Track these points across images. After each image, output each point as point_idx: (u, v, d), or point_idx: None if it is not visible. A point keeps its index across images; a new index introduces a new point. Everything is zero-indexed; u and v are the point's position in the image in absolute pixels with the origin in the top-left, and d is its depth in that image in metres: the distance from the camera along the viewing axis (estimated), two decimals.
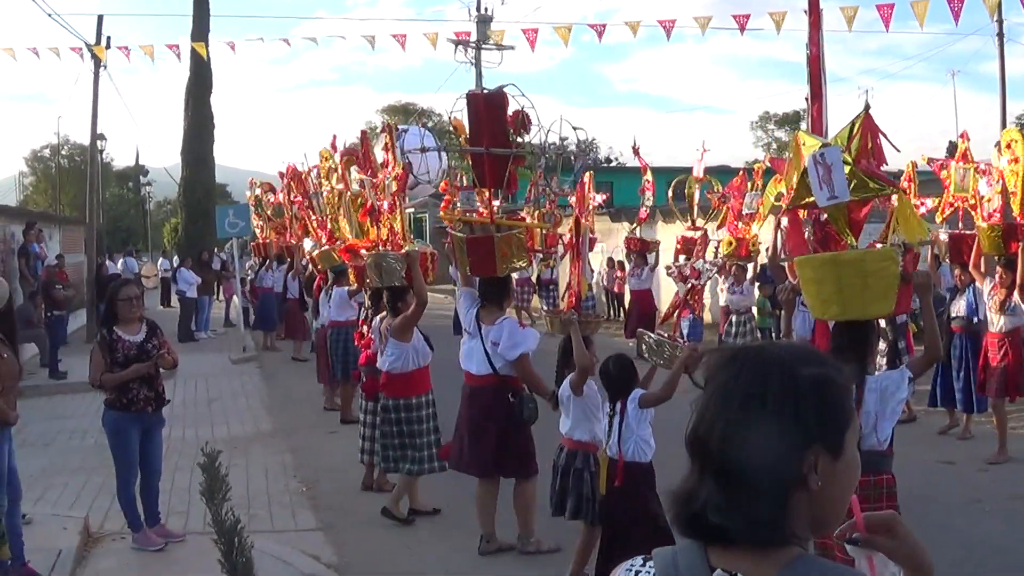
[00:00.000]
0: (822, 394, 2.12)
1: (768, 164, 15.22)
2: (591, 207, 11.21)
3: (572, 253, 10.05)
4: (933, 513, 10.63)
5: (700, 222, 18.60)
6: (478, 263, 9.53)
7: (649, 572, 2.17)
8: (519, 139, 9.62)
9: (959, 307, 14.20)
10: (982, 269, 13.34)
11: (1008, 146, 13.01)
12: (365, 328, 11.84)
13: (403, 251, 10.60)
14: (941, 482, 12.06)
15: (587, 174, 11.14)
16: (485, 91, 9.71)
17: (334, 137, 15.18)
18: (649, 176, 19.36)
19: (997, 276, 13.05)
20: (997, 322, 13.13)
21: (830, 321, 7.36)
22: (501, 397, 9.28)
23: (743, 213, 16.90)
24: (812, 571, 2.04)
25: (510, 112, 9.50)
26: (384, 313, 11.02)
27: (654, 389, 8.09)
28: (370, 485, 11.91)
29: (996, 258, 13.11)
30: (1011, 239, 12.83)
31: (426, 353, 10.60)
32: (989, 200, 13.19)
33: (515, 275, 12.70)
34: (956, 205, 13.63)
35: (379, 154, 11.57)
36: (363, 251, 12.03)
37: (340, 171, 14.29)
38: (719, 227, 17.31)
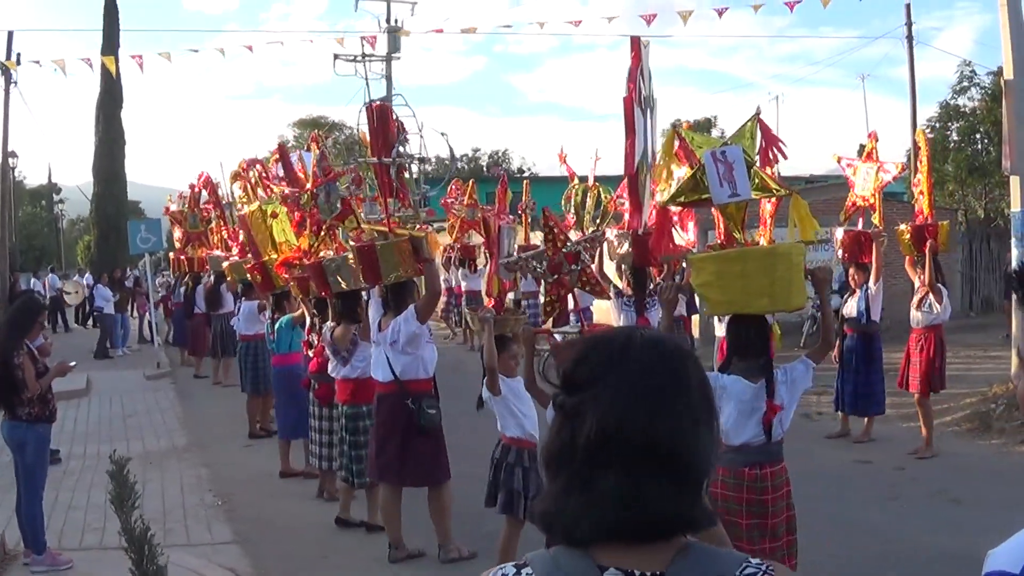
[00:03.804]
0: (708, 379, 2.19)
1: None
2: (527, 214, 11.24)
3: (488, 253, 10.13)
4: (851, 511, 10.83)
5: (590, 229, 18.44)
6: (366, 271, 9.57)
7: None
8: (400, 148, 9.71)
9: (850, 307, 14.29)
10: (912, 268, 13.75)
11: (920, 148, 13.37)
12: (315, 337, 11.73)
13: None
14: (858, 480, 12.28)
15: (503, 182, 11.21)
16: (375, 103, 9.75)
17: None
18: (577, 182, 19.38)
19: (917, 276, 13.40)
20: (915, 319, 13.45)
21: (723, 316, 7.48)
22: (401, 404, 9.33)
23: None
24: (701, 558, 2.05)
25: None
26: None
27: None
28: (327, 492, 11.93)
29: (915, 259, 13.42)
30: (921, 240, 13.12)
31: None
32: (916, 201, 13.54)
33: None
34: (859, 205, 13.86)
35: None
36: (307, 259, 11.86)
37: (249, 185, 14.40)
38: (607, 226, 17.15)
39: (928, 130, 37.71)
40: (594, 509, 2.01)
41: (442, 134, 10.14)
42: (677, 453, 2.03)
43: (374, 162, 9.65)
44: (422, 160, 10.02)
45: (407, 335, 9.31)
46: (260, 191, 14.99)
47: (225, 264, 18.04)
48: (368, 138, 9.95)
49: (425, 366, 9.54)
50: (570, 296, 9.09)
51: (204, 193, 22.90)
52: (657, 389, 2.07)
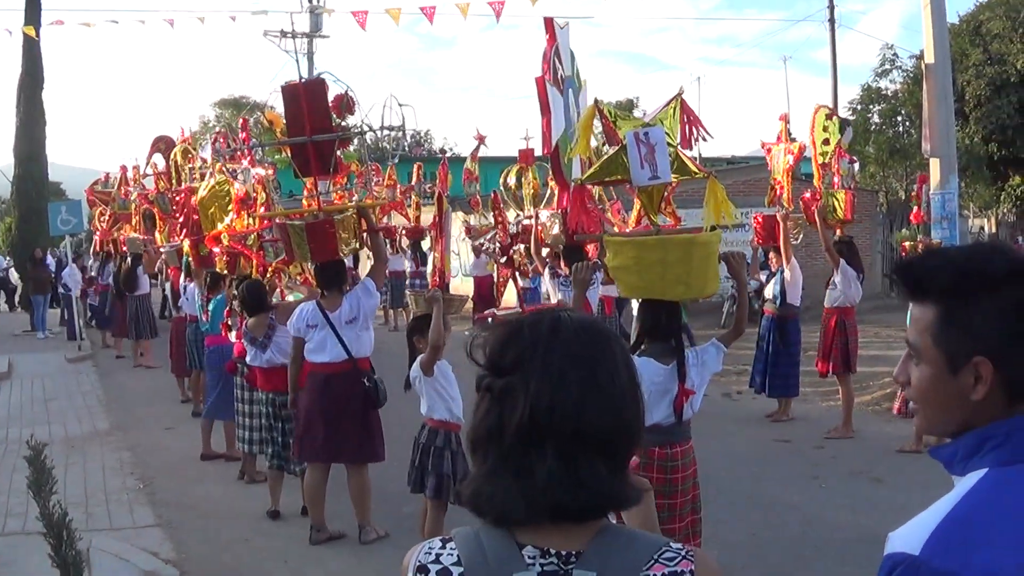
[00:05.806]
0: (631, 359, 2.22)
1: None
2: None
3: (436, 231, 10.11)
4: (771, 490, 10.95)
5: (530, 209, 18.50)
6: (319, 249, 9.38)
7: (451, 554, 2.10)
8: (342, 122, 9.61)
9: (769, 289, 14.37)
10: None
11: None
12: (237, 319, 11.57)
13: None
14: (778, 460, 12.41)
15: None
16: (303, 80, 9.62)
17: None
18: (469, 163, 19.58)
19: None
20: (825, 299, 13.51)
21: (634, 300, 7.53)
22: (357, 383, 9.32)
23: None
24: (620, 539, 2.07)
25: (331, 98, 9.48)
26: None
27: None
28: (247, 475, 11.91)
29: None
30: (809, 213, 13.25)
31: None
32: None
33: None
34: (776, 188, 13.90)
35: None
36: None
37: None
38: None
39: (850, 112, 38.07)
40: (533, 491, 2.02)
41: (401, 105, 9.98)
42: (608, 434, 2.06)
43: (305, 140, 9.47)
44: (390, 128, 9.90)
45: (371, 308, 9.54)
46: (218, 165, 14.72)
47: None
48: (282, 119, 9.82)
49: (371, 342, 9.65)
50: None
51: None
52: (587, 372, 2.08)
